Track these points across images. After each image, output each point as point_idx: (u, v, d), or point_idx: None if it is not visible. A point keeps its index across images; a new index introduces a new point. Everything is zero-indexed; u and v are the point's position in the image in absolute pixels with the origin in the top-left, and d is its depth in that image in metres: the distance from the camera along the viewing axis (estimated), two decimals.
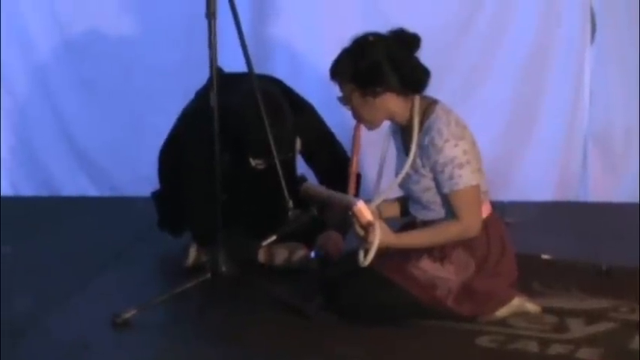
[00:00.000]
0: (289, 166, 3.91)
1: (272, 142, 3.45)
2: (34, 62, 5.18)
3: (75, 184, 5.27)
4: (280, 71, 4.26)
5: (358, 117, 3.40)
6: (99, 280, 3.89)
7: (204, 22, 3.40)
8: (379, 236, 3.19)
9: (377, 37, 3.31)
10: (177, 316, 3.52)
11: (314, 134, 3.98)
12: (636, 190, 4.99)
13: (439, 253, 3.33)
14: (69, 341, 3.28)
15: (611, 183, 5.11)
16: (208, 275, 3.51)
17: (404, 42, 3.31)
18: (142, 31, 5.06)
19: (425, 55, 3.34)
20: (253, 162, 3.78)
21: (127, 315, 3.37)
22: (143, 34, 5.07)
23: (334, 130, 4.08)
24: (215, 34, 3.41)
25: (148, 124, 4.94)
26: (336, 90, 3.38)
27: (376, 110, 3.34)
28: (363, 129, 3.47)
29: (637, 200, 4.96)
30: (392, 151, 3.50)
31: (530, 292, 3.54)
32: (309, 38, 4.98)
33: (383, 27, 3.34)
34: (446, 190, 3.28)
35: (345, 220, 3.34)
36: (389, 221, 3.37)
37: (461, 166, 3.24)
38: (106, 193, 5.25)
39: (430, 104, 3.34)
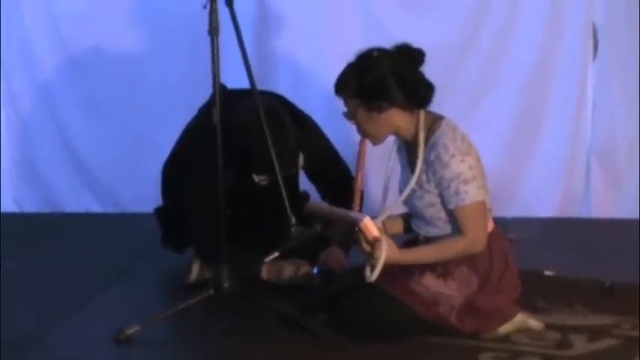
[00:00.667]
0: (292, 182, 3.91)
1: (275, 159, 3.45)
2: (38, 79, 5.20)
3: (78, 201, 5.27)
4: (283, 87, 4.27)
5: (363, 132, 3.41)
6: (102, 297, 3.89)
7: (207, 39, 3.41)
8: (386, 252, 3.19)
9: (382, 52, 3.32)
10: (180, 332, 3.52)
11: (317, 150, 3.98)
12: (638, 206, 5.00)
13: (442, 269, 3.33)
14: (71, 358, 3.28)
15: (614, 199, 5.11)
16: (211, 291, 3.51)
17: (409, 57, 3.31)
18: (145, 47, 5.08)
19: (428, 72, 3.34)
20: (256, 178, 3.78)
21: (130, 331, 3.36)
22: (146, 50, 5.08)
23: (338, 145, 4.09)
24: (218, 51, 3.41)
25: (151, 141, 4.95)
26: (339, 105, 3.39)
27: (381, 125, 3.34)
28: (368, 144, 3.48)
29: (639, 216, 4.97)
30: (397, 167, 3.51)
31: (533, 309, 3.53)
32: (312, 54, 4.99)
33: (385, 43, 3.35)
34: (452, 205, 3.27)
35: (349, 236, 3.34)
36: (392, 237, 3.37)
37: (467, 182, 3.24)
38: (109, 210, 5.26)
39: (436, 120, 3.35)
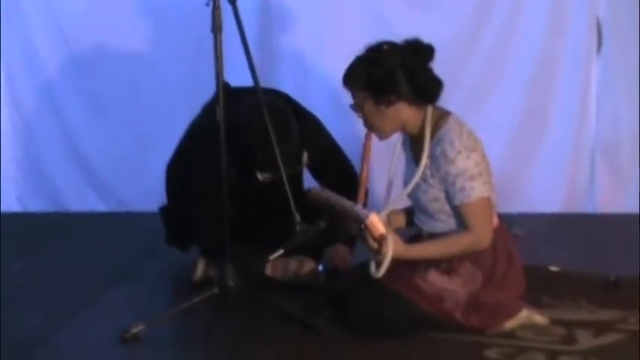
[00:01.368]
0: (296, 179, 3.91)
1: (279, 157, 3.45)
2: (41, 78, 5.20)
3: (83, 200, 5.28)
4: (287, 84, 4.28)
5: (370, 125, 3.40)
6: (107, 296, 3.89)
7: (211, 36, 3.41)
8: (392, 249, 3.19)
9: (392, 45, 3.32)
10: (186, 331, 3.52)
11: (321, 147, 3.98)
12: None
13: (446, 265, 3.33)
14: (77, 357, 3.29)
15: (618, 194, 5.11)
16: (216, 290, 3.51)
17: (419, 52, 3.31)
18: (149, 45, 5.08)
19: (432, 68, 3.34)
20: (261, 176, 3.78)
21: (136, 330, 3.36)
22: (149, 48, 5.08)
23: (342, 141, 4.08)
24: (221, 49, 3.41)
25: (155, 139, 4.95)
26: (344, 101, 3.39)
27: (388, 119, 3.34)
28: (373, 138, 3.47)
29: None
30: (401, 162, 3.50)
31: (538, 304, 3.53)
32: (316, 50, 4.99)
33: (389, 39, 3.34)
34: (457, 201, 3.28)
35: (355, 232, 3.34)
36: (396, 232, 3.37)
37: (473, 178, 3.24)
38: (114, 209, 5.26)
39: (442, 115, 3.35)
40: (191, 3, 3.57)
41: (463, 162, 3.24)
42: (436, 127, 3.32)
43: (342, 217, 3.40)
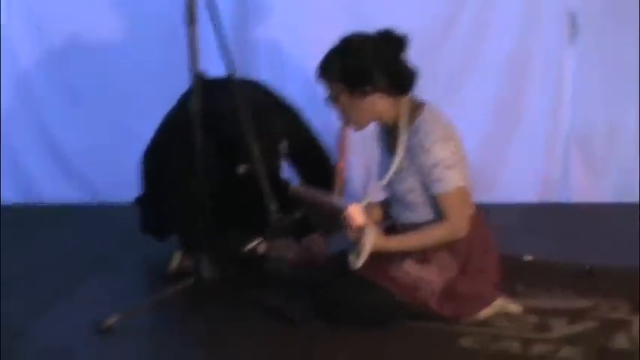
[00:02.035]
0: (274, 168, 3.91)
1: (256, 148, 3.44)
2: (16, 69, 5.16)
3: (57, 191, 5.25)
4: (263, 74, 4.27)
5: (346, 117, 3.40)
6: (83, 287, 3.88)
7: (185, 26, 3.40)
8: (371, 240, 3.20)
9: (365, 37, 3.32)
10: (162, 321, 3.52)
11: (298, 136, 3.97)
12: (618, 190, 5.03)
13: (422, 255, 3.34)
14: (53, 348, 3.28)
15: (592, 184, 5.13)
16: (191, 280, 3.51)
17: (392, 42, 3.31)
18: (123, 35, 5.06)
19: (407, 57, 3.35)
20: (241, 168, 3.77)
21: (111, 321, 3.37)
22: (124, 38, 5.06)
23: (319, 132, 4.08)
24: (196, 40, 3.40)
25: (130, 130, 4.92)
26: (320, 92, 3.39)
27: (364, 110, 3.34)
28: (350, 130, 3.47)
29: (618, 201, 5.00)
30: (378, 153, 3.51)
31: (512, 293, 3.55)
32: (292, 41, 4.98)
33: (365, 29, 3.35)
34: (434, 191, 3.29)
35: (333, 222, 3.34)
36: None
37: (449, 167, 3.25)
38: (89, 200, 5.24)
39: (418, 105, 3.35)
40: None
41: (439, 152, 3.25)
42: (412, 117, 3.32)
43: (322, 210, 3.40)
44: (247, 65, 4.79)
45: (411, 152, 3.29)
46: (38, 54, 5.14)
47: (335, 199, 3.39)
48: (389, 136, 3.43)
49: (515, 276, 3.69)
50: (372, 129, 3.49)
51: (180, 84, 3.79)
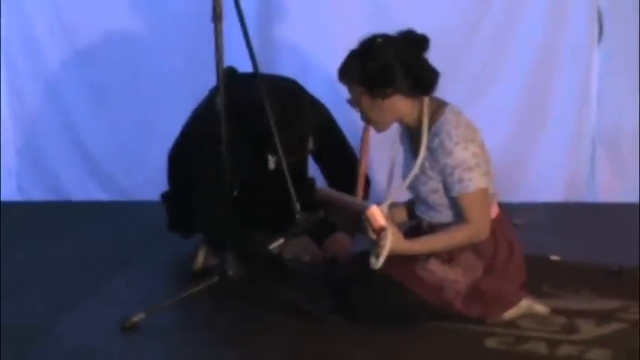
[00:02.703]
0: (301, 166, 3.91)
1: (286, 141, 3.43)
2: (41, 66, 5.18)
3: (83, 189, 5.27)
4: (287, 73, 4.25)
5: (367, 119, 3.40)
6: (108, 285, 3.89)
7: (211, 26, 3.40)
8: (391, 241, 3.19)
9: (385, 38, 3.31)
10: (186, 319, 3.52)
11: (325, 133, 3.97)
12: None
13: (447, 255, 3.33)
14: (78, 346, 3.28)
15: (619, 184, 5.11)
16: (216, 279, 3.51)
17: (413, 43, 3.30)
18: (149, 34, 5.07)
19: (432, 58, 3.33)
20: (272, 159, 3.77)
21: (136, 319, 3.37)
22: (150, 37, 5.08)
23: (343, 131, 4.08)
24: (221, 37, 3.40)
25: (156, 128, 4.95)
26: (343, 91, 3.38)
27: (385, 112, 3.33)
28: (371, 131, 3.47)
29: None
30: (401, 154, 3.50)
31: (539, 294, 3.53)
32: (316, 40, 4.98)
33: (390, 28, 3.34)
34: (455, 193, 3.27)
35: (355, 223, 3.34)
36: (398, 226, 3.36)
37: (470, 169, 3.24)
38: (115, 198, 5.26)
39: (439, 106, 3.34)
40: None
41: (461, 153, 3.24)
42: (433, 118, 3.31)
43: (344, 211, 3.40)
44: (271, 64, 4.79)
45: (433, 153, 3.28)
46: (64, 53, 5.16)
47: (357, 200, 3.38)
48: (411, 137, 3.42)
49: (541, 276, 3.67)
50: (396, 128, 3.47)
51: (206, 83, 3.80)
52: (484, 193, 3.28)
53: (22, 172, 5.30)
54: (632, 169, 5.06)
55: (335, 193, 3.49)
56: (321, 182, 4.09)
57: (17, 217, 4.90)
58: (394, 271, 3.28)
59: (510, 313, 3.37)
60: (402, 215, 3.58)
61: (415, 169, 3.32)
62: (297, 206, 3.45)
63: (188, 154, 3.92)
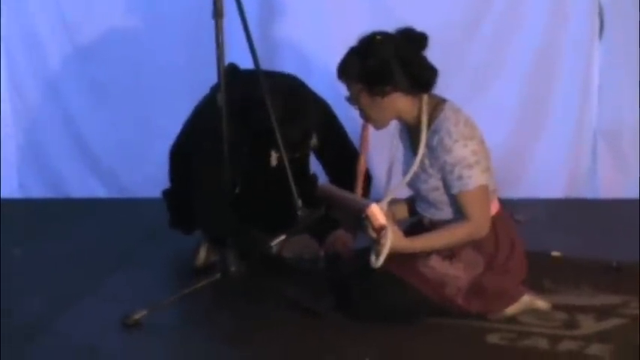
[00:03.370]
0: (303, 163, 3.91)
1: (289, 137, 3.44)
2: (42, 63, 5.18)
3: (84, 186, 5.27)
4: (287, 69, 4.25)
5: (366, 117, 3.40)
6: (109, 282, 3.89)
7: (212, 22, 3.40)
8: (391, 240, 3.19)
9: (384, 36, 3.31)
10: (188, 316, 3.53)
11: (327, 130, 3.97)
12: None
13: (448, 251, 3.33)
14: (79, 343, 3.29)
15: (620, 180, 5.10)
16: (218, 275, 3.51)
17: (411, 41, 3.30)
18: (150, 31, 5.07)
19: (433, 54, 3.33)
20: (275, 155, 3.77)
21: (137, 316, 3.37)
22: (150, 34, 5.07)
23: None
24: (222, 34, 3.41)
25: (157, 125, 4.95)
26: (343, 89, 3.38)
27: (384, 110, 3.33)
28: (370, 128, 3.47)
29: None
30: (400, 150, 3.50)
31: (540, 289, 3.53)
32: (317, 37, 4.97)
33: (391, 26, 3.34)
34: (455, 190, 3.27)
35: (356, 221, 3.33)
36: (398, 223, 3.36)
37: (470, 166, 3.24)
38: (116, 195, 5.26)
39: (438, 103, 3.34)
40: None
41: (460, 151, 3.23)
42: (432, 115, 3.31)
43: (345, 208, 3.40)
44: (271, 60, 4.78)
45: (433, 151, 3.28)
46: (66, 50, 5.15)
47: (357, 198, 3.38)
48: (410, 134, 3.42)
49: (542, 272, 3.68)
50: (395, 125, 3.47)
51: (207, 79, 3.80)
52: (484, 190, 3.28)
53: (23, 168, 5.30)
54: (633, 164, 5.05)
55: (336, 190, 3.49)
56: (323, 179, 4.09)
57: (18, 214, 4.90)
58: (395, 267, 3.28)
59: (511, 309, 3.37)
60: (402, 212, 3.58)
61: (414, 167, 3.32)
62: (299, 202, 3.45)
63: (189, 151, 3.92)
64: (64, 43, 5.15)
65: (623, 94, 5.03)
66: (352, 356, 3.12)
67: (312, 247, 3.84)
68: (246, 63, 3.57)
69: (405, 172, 3.42)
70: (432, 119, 3.30)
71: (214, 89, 3.83)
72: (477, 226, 3.29)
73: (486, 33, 5.02)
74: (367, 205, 3.22)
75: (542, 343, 3.18)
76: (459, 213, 3.31)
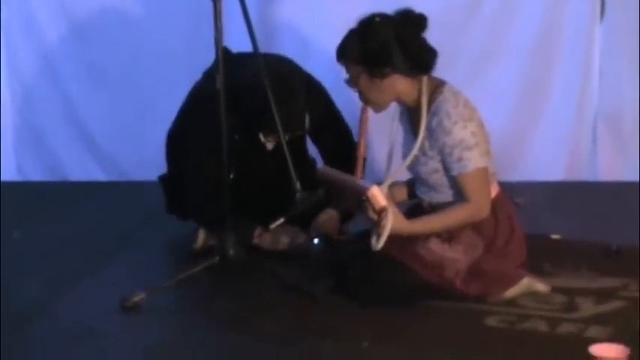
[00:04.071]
0: (299, 145, 3.90)
1: (280, 120, 3.43)
2: (40, 46, 5.18)
3: (82, 169, 5.27)
4: (287, 53, 4.24)
5: (365, 99, 3.39)
6: (107, 265, 3.89)
7: (210, 4, 3.39)
8: (392, 221, 3.18)
9: (384, 17, 3.30)
10: (186, 299, 3.53)
11: (322, 113, 3.96)
12: None
13: (447, 233, 3.33)
14: (77, 326, 3.28)
15: (620, 162, 5.09)
16: (216, 259, 3.51)
17: (411, 22, 3.29)
18: (147, 13, 5.06)
19: (433, 37, 3.33)
20: (264, 139, 3.77)
21: (136, 299, 3.37)
22: (148, 16, 5.06)
23: (342, 112, 4.07)
24: (221, 16, 3.40)
25: (156, 108, 4.94)
26: (342, 72, 3.37)
27: (384, 92, 3.32)
28: (370, 111, 3.46)
29: None
30: (400, 133, 3.49)
31: (539, 272, 3.53)
32: (316, 19, 4.96)
33: (390, 8, 3.33)
34: (455, 172, 3.26)
35: (355, 203, 3.33)
36: (398, 205, 3.36)
37: (470, 148, 3.23)
38: (114, 178, 5.25)
39: (438, 85, 3.33)
40: None
41: (460, 132, 3.23)
42: (432, 97, 3.31)
43: (344, 191, 3.39)
44: (270, 43, 4.76)
45: (432, 133, 3.28)
46: (63, 33, 5.14)
47: (357, 180, 3.38)
48: (410, 117, 3.41)
49: (542, 255, 3.67)
50: (394, 108, 3.46)
51: (204, 63, 3.80)
52: (484, 172, 3.27)
53: (21, 152, 5.29)
54: (633, 147, 5.05)
55: (335, 173, 3.48)
56: (320, 163, 4.08)
57: (16, 197, 4.90)
58: (394, 250, 3.27)
59: (511, 292, 3.36)
60: (402, 194, 3.58)
61: (415, 150, 3.31)
62: (298, 185, 3.44)
63: (185, 136, 3.92)
64: (63, 27, 5.14)
65: (624, 76, 5.02)
66: (351, 339, 3.11)
67: (300, 239, 3.82)
68: (244, 46, 3.56)
69: (404, 155, 3.41)
70: (431, 101, 3.30)
71: (207, 74, 3.83)
72: (477, 207, 3.28)
73: (486, 15, 5.00)
74: (367, 187, 3.21)
75: (542, 326, 3.18)
76: (459, 195, 3.31)
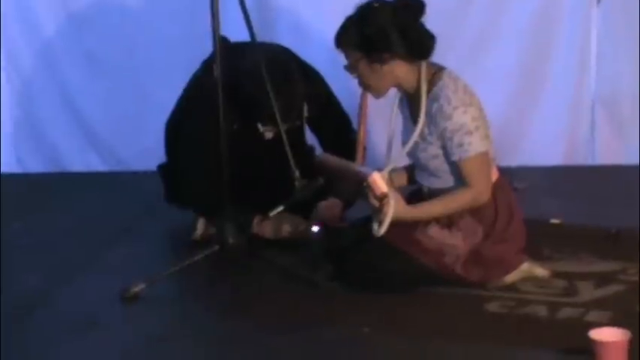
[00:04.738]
0: (297, 134, 3.90)
1: (279, 109, 3.43)
2: (38, 37, 5.16)
3: (82, 160, 5.26)
4: (284, 40, 4.24)
5: (365, 85, 3.39)
6: (107, 255, 3.89)
7: None
8: (393, 208, 3.18)
9: (382, 3, 3.30)
10: (187, 288, 3.54)
11: (320, 101, 3.95)
12: None
13: (447, 220, 3.33)
14: (78, 316, 3.29)
15: (618, 146, 5.09)
16: (216, 247, 3.51)
17: (409, 8, 3.29)
18: (146, 4, 5.04)
19: (430, 20, 3.32)
20: (262, 129, 3.77)
21: (136, 289, 3.37)
22: (146, 6, 5.04)
23: (341, 99, 4.06)
24: (217, 5, 3.39)
25: (154, 98, 4.92)
26: (340, 58, 3.36)
27: (383, 78, 3.32)
28: (369, 98, 3.46)
29: None
30: (400, 119, 3.49)
31: (539, 257, 3.53)
32: (313, 6, 4.95)
33: None
34: (455, 157, 3.26)
35: (355, 190, 3.33)
36: (397, 190, 3.36)
37: (470, 133, 3.23)
38: (113, 168, 5.25)
39: (437, 71, 3.33)
40: None
41: (460, 117, 3.23)
42: (431, 83, 3.30)
43: (345, 177, 3.39)
44: (268, 30, 4.76)
45: (432, 119, 3.27)
46: (61, 23, 5.13)
47: (357, 167, 3.38)
48: (410, 103, 3.41)
49: (542, 240, 3.67)
50: (394, 94, 3.46)
51: (203, 52, 3.79)
52: (484, 157, 3.27)
53: (20, 143, 5.29)
54: (632, 130, 5.04)
55: (335, 160, 3.48)
56: (318, 151, 4.08)
57: (16, 188, 4.89)
58: (394, 236, 3.27)
59: (511, 277, 3.37)
60: (401, 180, 3.57)
61: (415, 136, 3.31)
62: (297, 173, 3.44)
63: (185, 125, 3.91)
64: (60, 18, 5.12)
65: (622, 59, 5.01)
66: (351, 326, 3.12)
67: (301, 228, 3.82)
68: (241, 34, 3.55)
69: (404, 141, 3.41)
70: (430, 87, 3.30)
71: (205, 63, 3.82)
72: (478, 192, 3.28)
73: (483, 0, 4.99)
74: (368, 174, 3.21)
75: (542, 311, 3.18)
76: (459, 181, 3.31)
